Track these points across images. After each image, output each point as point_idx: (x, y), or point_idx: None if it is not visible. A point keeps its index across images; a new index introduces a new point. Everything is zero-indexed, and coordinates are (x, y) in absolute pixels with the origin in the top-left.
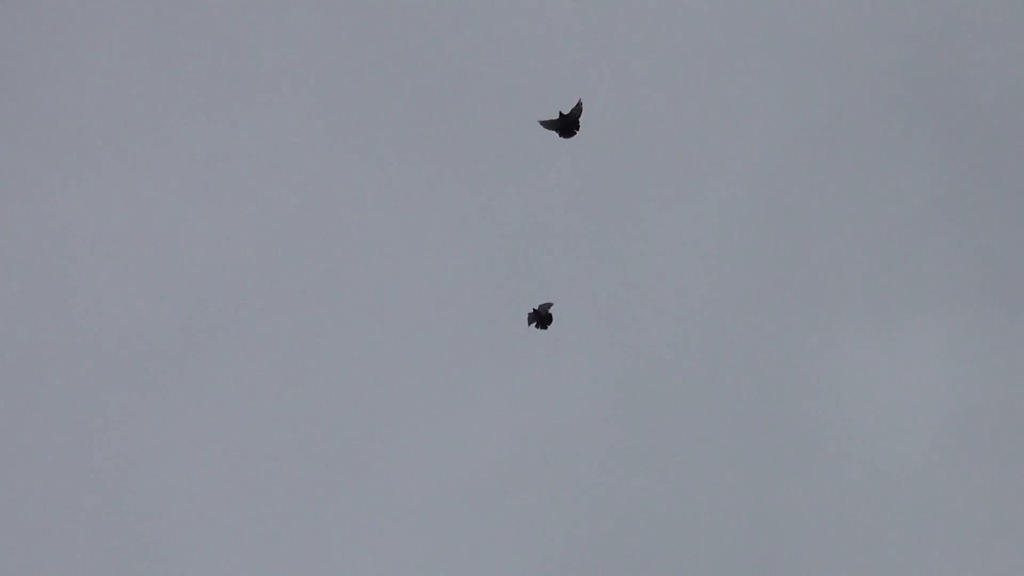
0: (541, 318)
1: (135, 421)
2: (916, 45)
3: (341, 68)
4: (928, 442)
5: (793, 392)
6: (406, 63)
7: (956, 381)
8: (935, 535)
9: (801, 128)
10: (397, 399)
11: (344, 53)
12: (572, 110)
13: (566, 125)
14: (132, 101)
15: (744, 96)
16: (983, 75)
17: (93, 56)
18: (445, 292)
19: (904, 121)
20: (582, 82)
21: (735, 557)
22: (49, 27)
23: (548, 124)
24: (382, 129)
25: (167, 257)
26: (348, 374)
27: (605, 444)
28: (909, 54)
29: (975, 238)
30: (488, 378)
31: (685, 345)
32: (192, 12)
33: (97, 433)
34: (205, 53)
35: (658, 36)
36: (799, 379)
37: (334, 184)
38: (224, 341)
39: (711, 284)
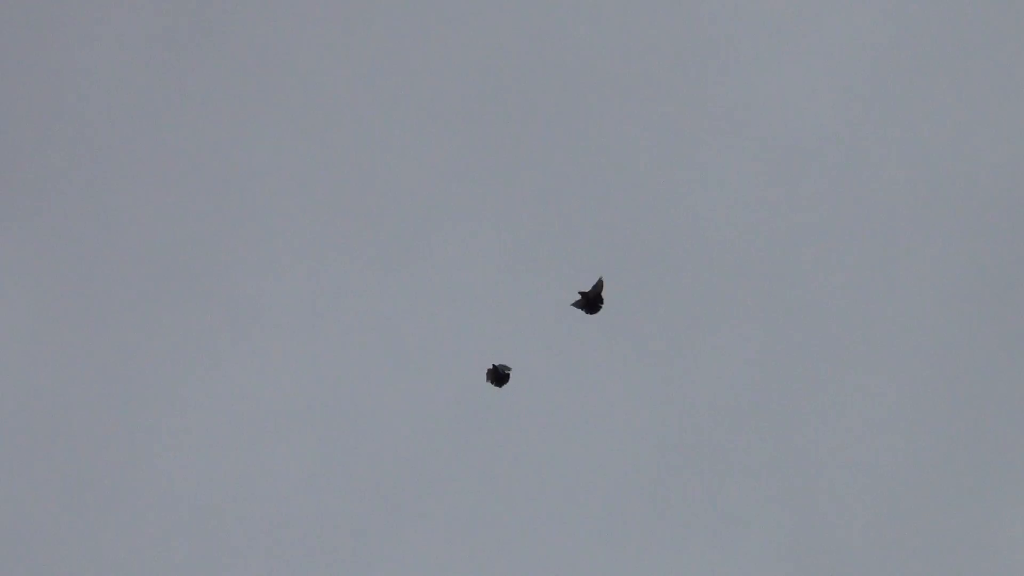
0: (499, 375)
1: None
2: None
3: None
4: None
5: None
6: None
7: None
8: None
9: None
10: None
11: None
12: (593, 288)
13: (589, 303)
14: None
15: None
16: None
17: (274, 234)
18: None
19: None
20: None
21: None
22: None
23: (576, 304)
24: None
25: (345, 427)
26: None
27: None
28: None
29: None
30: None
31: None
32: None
33: None
34: (376, 227)
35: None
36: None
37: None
38: (406, 519)
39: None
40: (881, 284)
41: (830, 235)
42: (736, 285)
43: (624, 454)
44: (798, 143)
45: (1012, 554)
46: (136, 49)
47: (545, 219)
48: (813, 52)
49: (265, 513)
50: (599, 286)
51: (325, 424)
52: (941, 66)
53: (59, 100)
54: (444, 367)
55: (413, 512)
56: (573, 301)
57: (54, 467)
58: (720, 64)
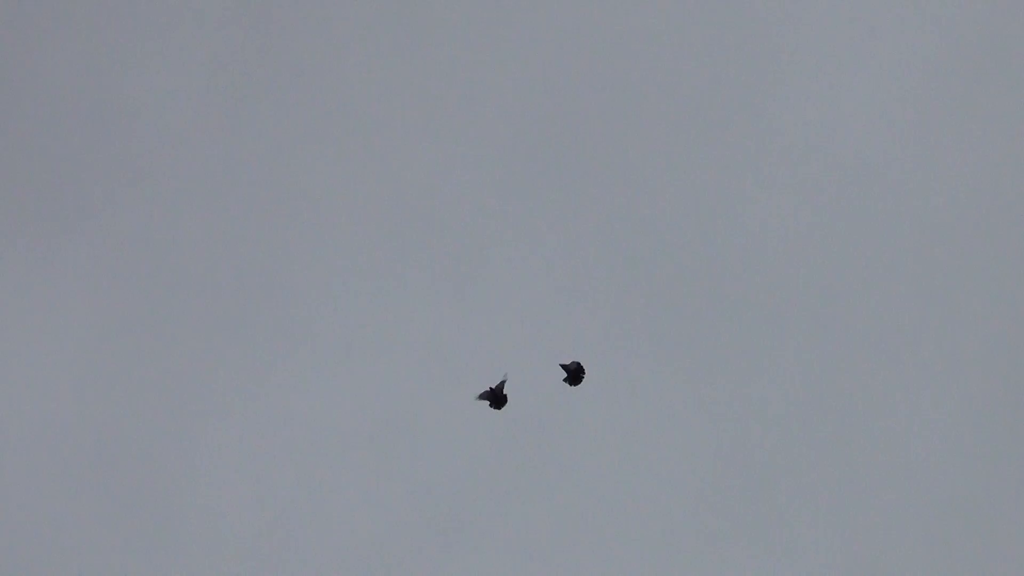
0: (497, 397)
1: None
2: None
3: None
4: None
5: None
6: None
7: None
8: None
9: None
10: None
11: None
12: (571, 366)
13: (574, 377)
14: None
15: None
16: None
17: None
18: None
19: None
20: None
21: None
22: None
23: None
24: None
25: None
26: None
27: None
28: None
29: None
30: None
31: None
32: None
33: None
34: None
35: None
36: None
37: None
38: (469, 536)
39: None
40: (935, 304)
41: (887, 255)
42: (794, 305)
43: (681, 470)
44: (855, 166)
45: None
46: (198, 75)
47: (601, 240)
48: (870, 76)
49: (327, 533)
50: (575, 368)
51: (385, 444)
52: (998, 93)
53: (126, 127)
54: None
55: (476, 529)
56: (563, 376)
57: (110, 485)
58: (777, 88)
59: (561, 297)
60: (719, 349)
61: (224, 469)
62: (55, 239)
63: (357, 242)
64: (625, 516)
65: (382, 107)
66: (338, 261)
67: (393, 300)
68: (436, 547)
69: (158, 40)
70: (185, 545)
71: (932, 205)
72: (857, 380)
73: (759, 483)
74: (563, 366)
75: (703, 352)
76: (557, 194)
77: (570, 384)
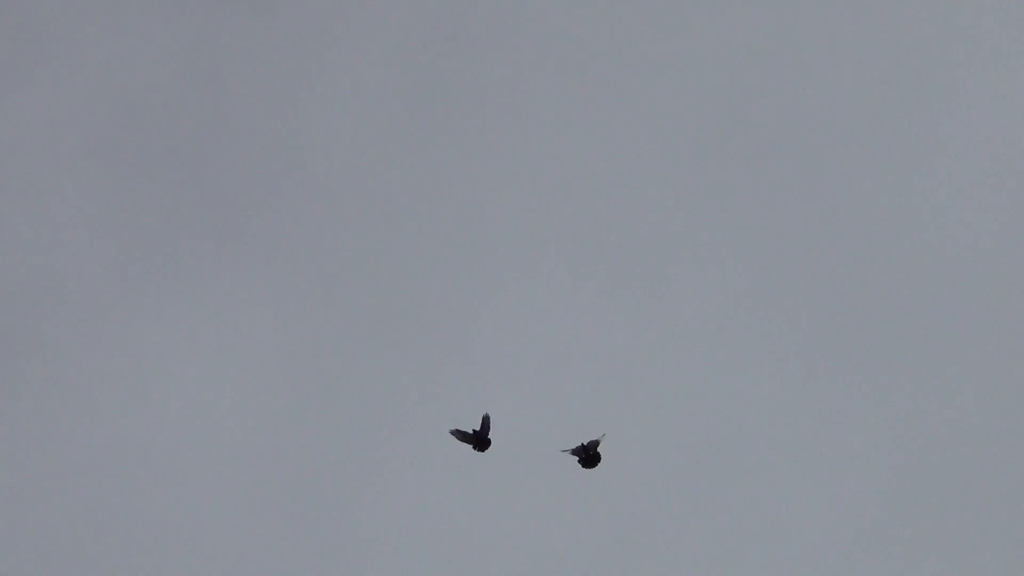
0: (480, 440)
1: None
2: None
3: None
4: None
5: None
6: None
7: None
8: None
9: None
10: None
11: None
12: (591, 444)
13: (588, 457)
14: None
15: None
16: None
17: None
18: None
19: None
20: None
21: None
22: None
23: (573, 451)
24: None
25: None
26: None
27: None
28: None
29: None
30: None
31: None
32: None
33: None
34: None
35: None
36: None
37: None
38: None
39: None
40: None
41: None
42: (979, 316)
43: (860, 486)
44: None
45: None
46: (378, 88)
47: (783, 254)
48: None
49: (508, 546)
50: (594, 446)
51: (564, 453)
52: None
53: (305, 144)
54: (679, 400)
55: (645, 545)
56: (573, 449)
57: (289, 498)
58: (959, 96)
59: (741, 309)
60: (903, 362)
61: (403, 482)
62: (233, 253)
63: (536, 255)
64: (803, 531)
65: (559, 115)
66: (516, 272)
67: (575, 313)
68: (625, 557)
69: (355, 60)
70: (361, 554)
71: None
72: None
73: (939, 501)
74: (582, 448)
75: (885, 365)
76: (740, 205)
77: (584, 462)
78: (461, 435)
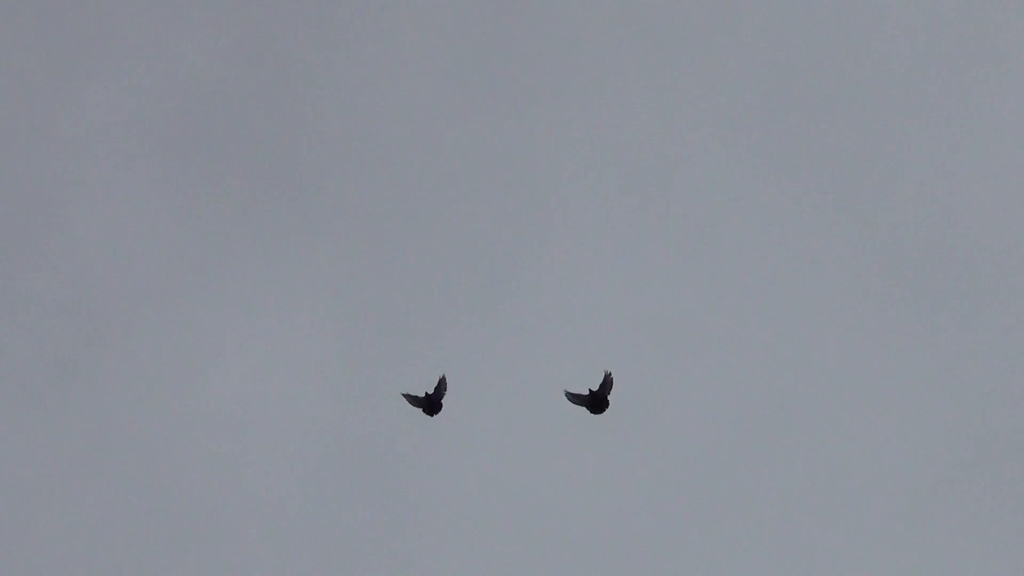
0: (431, 404)
1: None
2: None
3: None
4: None
5: None
6: None
7: None
8: None
9: None
10: None
11: None
12: (601, 387)
13: (596, 401)
14: None
15: None
16: None
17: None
18: None
19: None
20: None
21: None
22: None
23: (577, 399)
24: None
25: None
26: None
27: None
28: None
29: None
30: None
31: None
32: None
33: None
34: None
35: None
36: None
37: None
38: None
39: None
40: None
41: None
42: None
43: (928, 460)
44: None
45: None
46: (441, 72)
47: (840, 218)
48: None
49: (573, 523)
50: (607, 385)
51: (631, 424)
52: None
53: (368, 128)
54: (743, 362)
55: (720, 511)
56: (578, 395)
57: (355, 483)
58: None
59: (800, 273)
60: (975, 344)
61: (470, 464)
62: (297, 238)
63: (595, 233)
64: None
65: (613, 89)
66: (574, 247)
67: (637, 284)
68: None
69: (409, 38)
70: (427, 538)
71: None
72: None
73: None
74: (590, 392)
75: (957, 347)
76: (797, 172)
77: (592, 407)
78: (412, 399)
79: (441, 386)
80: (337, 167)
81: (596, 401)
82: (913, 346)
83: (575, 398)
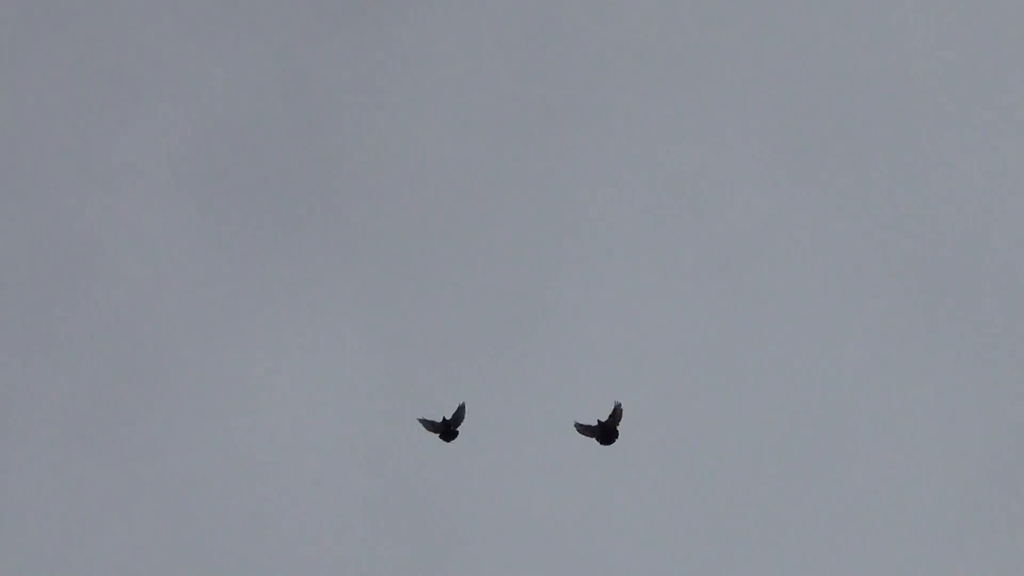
0: (448, 431)
1: None
2: None
3: None
4: None
5: None
6: None
7: None
8: None
9: None
10: None
11: None
12: (610, 418)
13: (605, 432)
14: None
15: None
16: None
17: None
18: None
19: None
20: None
21: None
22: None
23: (585, 430)
24: None
25: None
26: None
27: None
28: None
29: None
30: None
31: None
32: None
33: None
34: None
35: None
36: None
37: None
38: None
39: None
40: None
41: None
42: None
43: (954, 465)
44: None
45: None
46: (464, 80)
47: (874, 234)
48: None
49: (613, 535)
50: (616, 417)
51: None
52: None
53: (391, 139)
54: (766, 371)
55: (741, 516)
56: (586, 425)
57: (381, 495)
58: None
59: (833, 291)
60: (992, 346)
61: (495, 476)
62: (325, 252)
63: (622, 245)
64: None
65: (645, 100)
66: (603, 260)
67: (662, 298)
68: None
69: (440, 70)
70: (456, 551)
71: None
72: None
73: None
74: (600, 423)
75: (976, 349)
76: (831, 186)
77: (601, 438)
78: (429, 424)
79: (460, 413)
80: (369, 198)
81: (605, 432)
82: (944, 364)
83: (584, 429)
